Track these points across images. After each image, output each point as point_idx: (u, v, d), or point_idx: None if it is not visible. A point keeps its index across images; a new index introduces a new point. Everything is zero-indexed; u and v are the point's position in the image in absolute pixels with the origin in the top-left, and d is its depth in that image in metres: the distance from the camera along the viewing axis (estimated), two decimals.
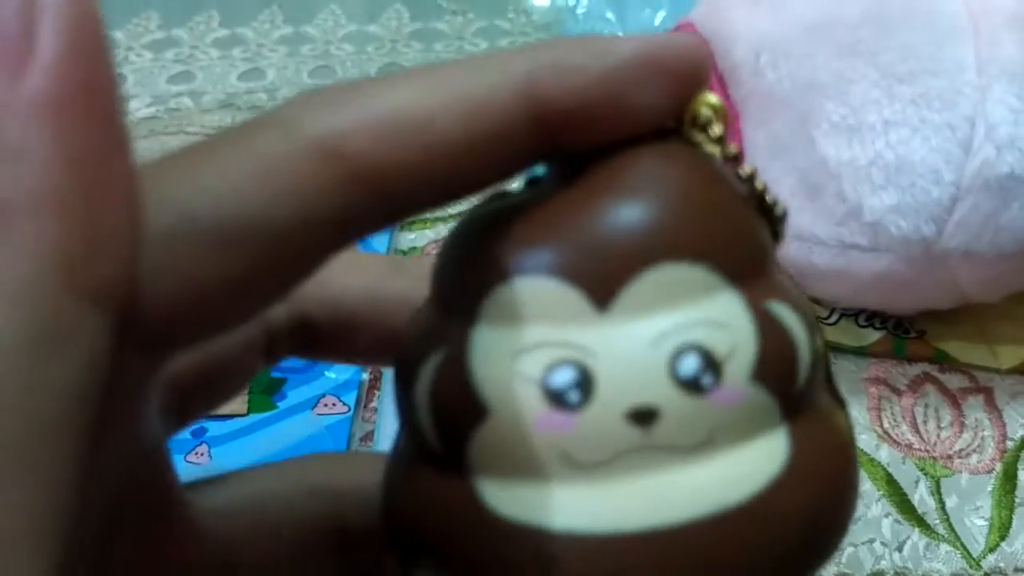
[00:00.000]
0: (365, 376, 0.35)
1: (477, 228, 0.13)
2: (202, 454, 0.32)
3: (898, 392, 0.36)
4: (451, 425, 0.12)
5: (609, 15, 0.55)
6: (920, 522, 0.32)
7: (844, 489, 0.13)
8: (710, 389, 0.11)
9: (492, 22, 0.60)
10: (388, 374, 0.37)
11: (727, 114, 0.13)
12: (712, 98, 0.13)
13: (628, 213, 0.12)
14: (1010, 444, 0.34)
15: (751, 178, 0.13)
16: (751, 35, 0.34)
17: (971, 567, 0.31)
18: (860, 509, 0.32)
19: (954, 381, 0.37)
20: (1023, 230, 0.31)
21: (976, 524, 0.32)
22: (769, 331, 0.12)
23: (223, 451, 0.32)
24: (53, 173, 0.10)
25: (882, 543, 0.31)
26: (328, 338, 0.17)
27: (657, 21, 0.54)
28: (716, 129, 0.13)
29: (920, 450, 0.34)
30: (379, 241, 0.43)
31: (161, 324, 0.11)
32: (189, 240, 0.11)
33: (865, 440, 0.34)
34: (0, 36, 0.10)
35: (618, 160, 0.12)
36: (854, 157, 0.31)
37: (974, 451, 0.34)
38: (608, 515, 0.11)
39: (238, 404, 0.33)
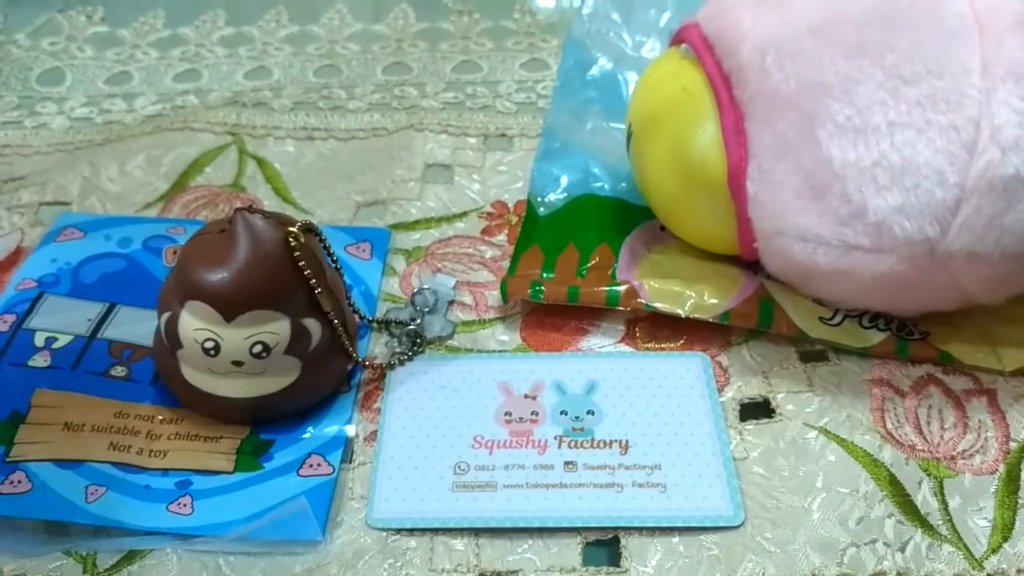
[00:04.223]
0: (351, 433, 0.35)
1: (191, 252, 0.33)
2: (185, 505, 0.32)
3: (902, 393, 0.36)
4: (171, 343, 0.34)
5: (615, 15, 0.55)
6: (923, 523, 0.32)
7: (320, 390, 0.36)
8: (265, 357, 0.33)
9: (498, 22, 0.60)
10: (387, 383, 0.37)
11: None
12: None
13: (240, 279, 0.32)
14: (1013, 445, 0.34)
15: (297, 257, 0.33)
16: (757, 35, 0.34)
17: (974, 568, 0.31)
18: (863, 509, 0.32)
19: (958, 383, 0.37)
20: None
21: (979, 525, 0.32)
22: (297, 331, 0.33)
23: (205, 505, 0.32)
24: None
25: (885, 544, 0.31)
26: None
27: (663, 22, 0.54)
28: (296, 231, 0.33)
29: (923, 451, 0.34)
30: (378, 240, 0.43)
31: None
32: None
33: (868, 440, 0.34)
34: None
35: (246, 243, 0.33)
36: (859, 158, 0.31)
37: (977, 452, 0.34)
38: (224, 388, 0.34)
39: (225, 462, 0.34)
